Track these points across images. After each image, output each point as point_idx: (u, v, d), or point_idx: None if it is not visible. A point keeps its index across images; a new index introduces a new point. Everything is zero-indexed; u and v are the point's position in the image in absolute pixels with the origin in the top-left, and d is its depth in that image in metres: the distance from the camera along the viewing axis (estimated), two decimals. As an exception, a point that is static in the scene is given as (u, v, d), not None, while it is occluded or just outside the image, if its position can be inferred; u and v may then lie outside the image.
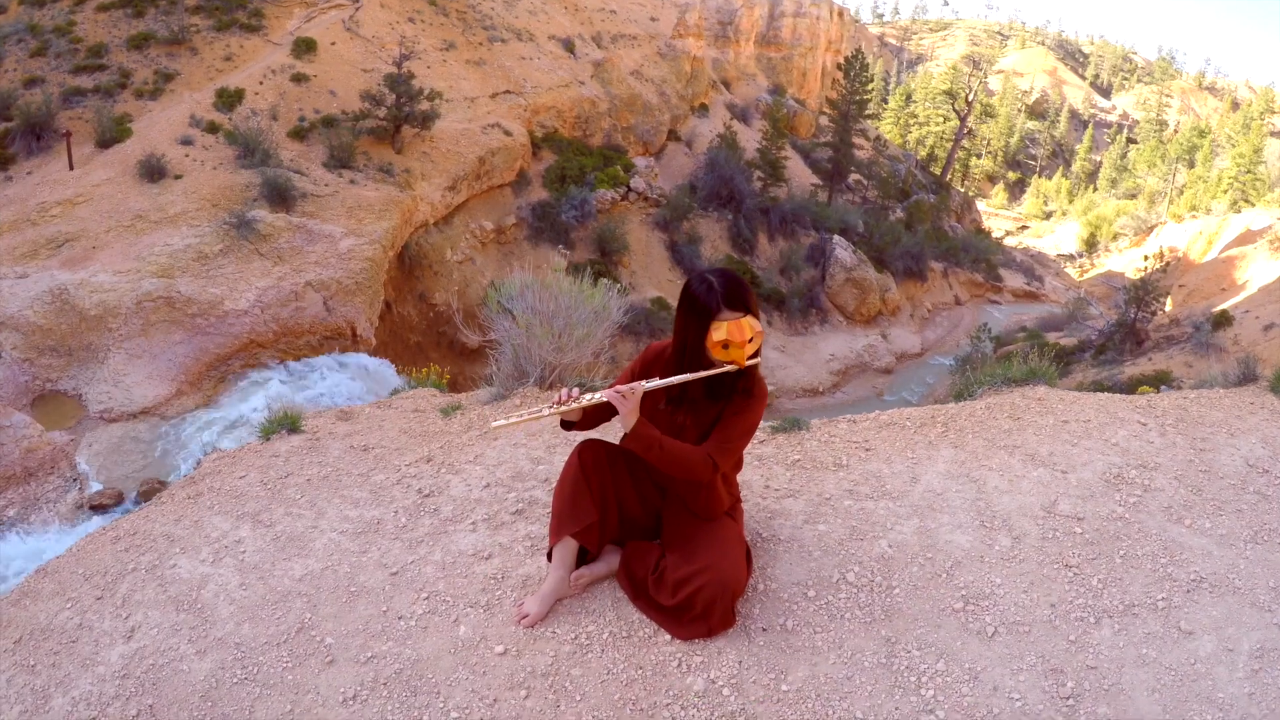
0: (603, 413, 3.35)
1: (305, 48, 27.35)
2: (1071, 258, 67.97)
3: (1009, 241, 67.46)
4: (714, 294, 3.10)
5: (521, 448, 4.96)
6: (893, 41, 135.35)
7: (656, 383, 3.21)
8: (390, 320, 21.95)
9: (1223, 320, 33.22)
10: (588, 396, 3.21)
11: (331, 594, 3.86)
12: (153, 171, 20.48)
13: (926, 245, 41.97)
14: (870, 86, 46.02)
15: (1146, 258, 38.58)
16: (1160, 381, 24.83)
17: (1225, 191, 60.75)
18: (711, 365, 3.17)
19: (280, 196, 20.46)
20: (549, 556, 3.61)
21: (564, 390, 3.22)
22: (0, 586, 11.83)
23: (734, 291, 3.12)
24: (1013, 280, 50.06)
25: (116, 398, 15.42)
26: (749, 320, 3.11)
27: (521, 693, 3.18)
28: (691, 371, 3.21)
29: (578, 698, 3.13)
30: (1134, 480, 4.21)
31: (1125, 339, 33.87)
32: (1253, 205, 56.61)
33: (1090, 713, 2.88)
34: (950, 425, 4.90)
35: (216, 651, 3.60)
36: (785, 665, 3.15)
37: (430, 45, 30.70)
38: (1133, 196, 78.76)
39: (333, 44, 28.36)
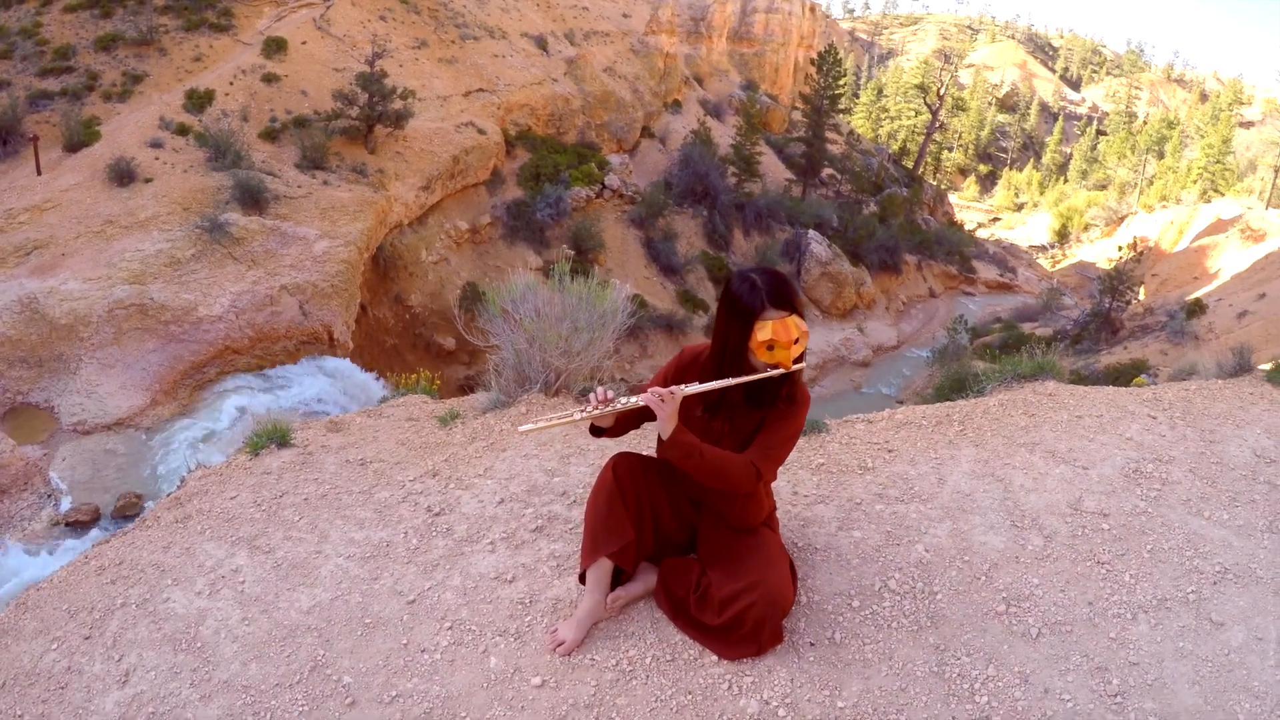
0: (635, 419, 3.21)
1: (276, 47, 27.09)
2: (1043, 249, 68.53)
3: (981, 234, 68.00)
4: (758, 293, 2.94)
5: (534, 459, 4.70)
6: (863, 36, 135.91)
7: (697, 387, 3.02)
8: (366, 323, 21.73)
9: (1196, 308, 33.57)
10: (624, 400, 3.04)
11: (344, 627, 3.61)
12: (122, 175, 20.15)
13: (900, 238, 42.13)
14: (843, 81, 46.07)
15: (1120, 248, 38.94)
16: (1137, 370, 25.04)
17: (1195, 182, 61.45)
18: (753, 369, 3.03)
19: (253, 199, 20.19)
20: (581, 578, 3.42)
21: (597, 391, 3.04)
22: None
23: (779, 289, 2.96)
24: (986, 272, 50.35)
25: (90, 409, 15.10)
26: (795, 320, 2.95)
27: None
28: (732, 375, 3.04)
29: None
30: (1152, 474, 4.26)
31: (1101, 328, 34.20)
32: (1222, 195, 57.31)
33: (1138, 709, 2.92)
34: (967, 424, 4.89)
35: (223, 696, 3.34)
36: (838, 680, 3.07)
37: (402, 43, 30.49)
38: (1103, 188, 79.44)
39: (304, 43, 28.10)
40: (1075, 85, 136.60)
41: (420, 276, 24.90)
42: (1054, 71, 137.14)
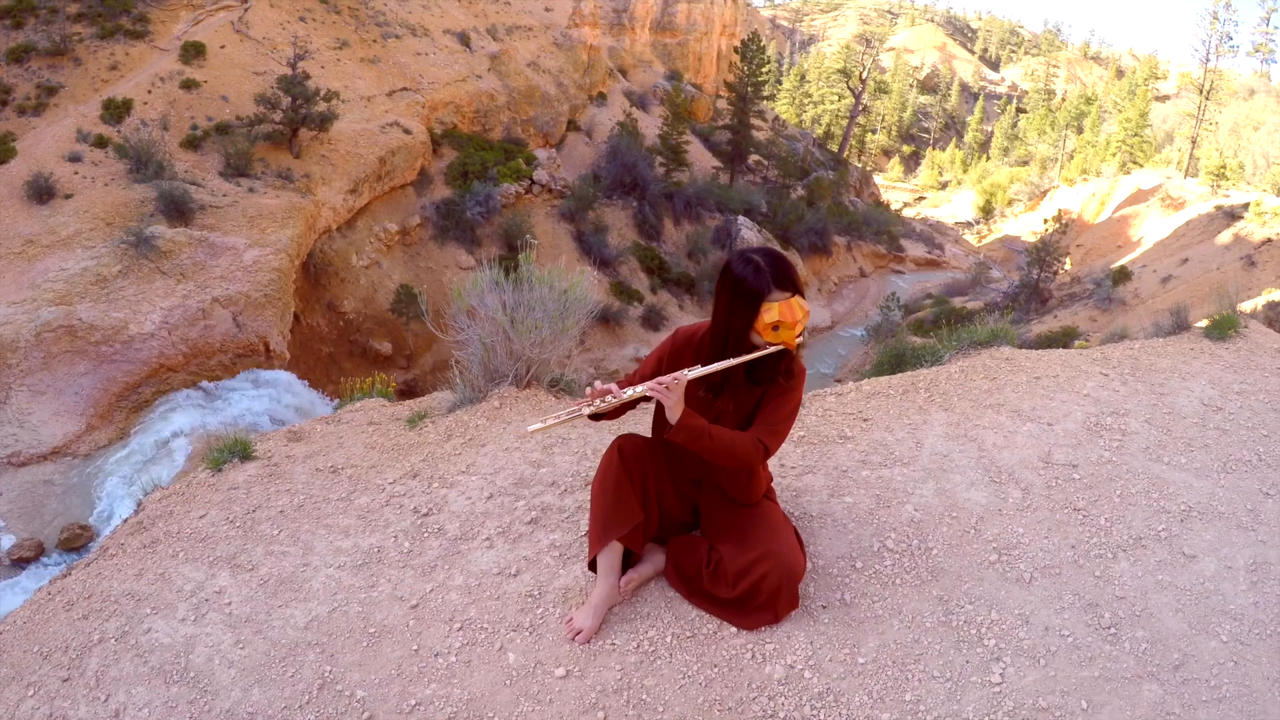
0: (634, 403, 3.17)
1: (194, 52, 26.62)
2: (969, 225, 69.79)
3: (908, 213, 69.16)
4: (763, 275, 2.97)
5: (516, 452, 4.62)
6: (784, 23, 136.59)
7: (700, 370, 3.07)
8: (300, 332, 21.50)
9: (1122, 275, 34.57)
10: (628, 391, 3.05)
11: (348, 639, 3.49)
12: (41, 192, 19.69)
13: (829, 221, 42.73)
14: (766, 69, 46.44)
15: (1046, 220, 39.84)
16: (1069, 337, 25.77)
17: (1114, 155, 62.97)
18: (754, 347, 3.07)
19: (178, 210, 19.83)
20: (590, 565, 3.44)
21: (594, 385, 3.08)
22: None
23: (782, 271, 3.00)
24: (914, 250, 51.28)
25: (23, 439, 14.70)
26: (798, 300, 3.00)
27: (599, 715, 3.01)
28: (733, 356, 3.08)
29: (660, 709, 2.99)
30: (1111, 426, 4.54)
31: (1030, 299, 35.06)
32: (1141, 166, 58.84)
33: (1131, 638, 3.17)
34: (934, 390, 5.05)
35: None
36: (855, 639, 3.19)
37: (323, 44, 30.14)
38: (1025, 163, 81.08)
39: (222, 47, 27.65)
40: (995, 65, 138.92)
41: (352, 282, 24.72)
42: (973, 53, 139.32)
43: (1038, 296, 35.60)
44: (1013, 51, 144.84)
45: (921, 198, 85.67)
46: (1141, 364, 5.37)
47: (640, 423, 4.65)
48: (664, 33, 56.75)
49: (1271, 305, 27.16)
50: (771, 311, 2.96)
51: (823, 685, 3.00)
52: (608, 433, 4.73)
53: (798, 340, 3.07)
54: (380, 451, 5.00)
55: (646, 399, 3.14)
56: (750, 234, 36.11)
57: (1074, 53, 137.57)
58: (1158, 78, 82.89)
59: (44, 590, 4.28)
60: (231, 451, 5.06)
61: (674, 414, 3.04)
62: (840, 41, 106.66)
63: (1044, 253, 36.61)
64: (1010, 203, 68.81)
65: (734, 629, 3.24)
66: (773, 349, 3.04)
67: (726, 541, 3.32)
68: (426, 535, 4.05)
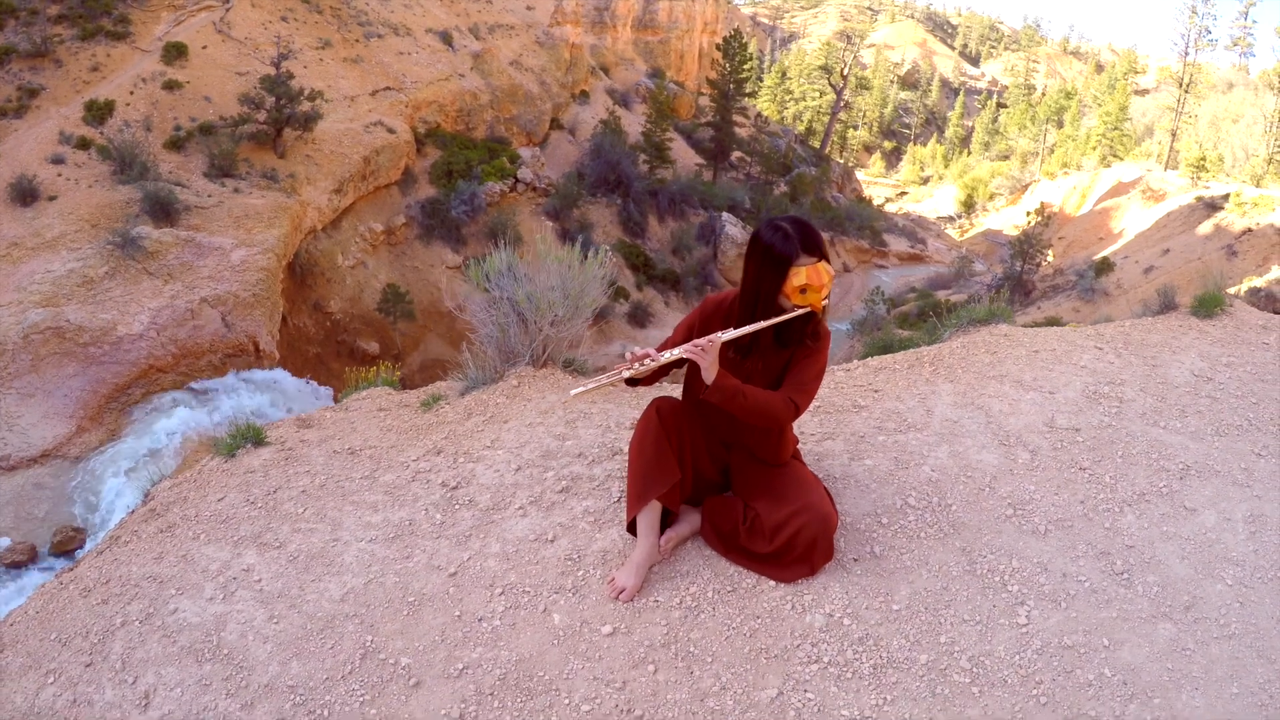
0: (668, 367, 3.31)
1: (176, 53, 26.48)
2: (951, 219, 70.05)
3: (890, 208, 69.37)
4: (791, 241, 3.12)
5: (539, 427, 4.67)
6: (765, 21, 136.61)
7: (733, 332, 3.21)
8: (287, 332, 21.41)
9: (1105, 267, 34.82)
10: (666, 355, 3.19)
11: (386, 609, 3.53)
12: (24, 194, 19.57)
13: (812, 216, 42.78)
14: (749, 66, 46.58)
15: (1029, 213, 40.10)
16: (1053, 326, 25.98)
17: (1094, 148, 63.33)
18: (782, 311, 3.21)
19: (163, 211, 19.75)
20: (629, 527, 3.54)
21: (632, 350, 3.20)
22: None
23: (810, 237, 3.15)
24: (897, 244, 51.47)
25: (12, 443, 14.60)
26: (824, 265, 3.15)
27: (650, 668, 3.10)
28: (762, 319, 3.22)
29: (708, 660, 3.11)
30: (1109, 394, 4.75)
31: (1014, 290, 35.26)
32: (1121, 160, 59.17)
33: (1143, 582, 3.41)
34: (938, 364, 5.21)
35: (268, 700, 3.21)
36: (888, 588, 3.35)
37: (305, 44, 30.05)
38: (1006, 158, 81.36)
39: (204, 48, 27.54)
40: (975, 61, 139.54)
41: (338, 282, 24.68)
42: (953, 49, 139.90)
43: (1021, 288, 35.81)
44: (993, 47, 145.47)
45: (903, 193, 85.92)
46: (1133, 339, 5.56)
47: (667, 391, 4.72)
48: (646, 31, 56.85)
49: (1254, 291, 27.51)
50: (799, 275, 3.11)
51: (862, 631, 3.16)
52: (629, 406, 4.84)
53: (823, 303, 3.21)
54: (398, 433, 5.01)
55: (682, 363, 3.27)
56: (734, 230, 36.22)
57: (1053, 48, 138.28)
58: (1137, 72, 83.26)
59: (54, 581, 4.24)
60: (244, 437, 5.03)
61: (709, 374, 3.16)
62: (821, 38, 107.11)
63: (1027, 245, 36.84)
64: (992, 197, 69.08)
65: (772, 582, 3.36)
66: (800, 312, 3.19)
67: (760, 499, 3.43)
68: (458, 507, 4.08)
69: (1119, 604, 3.31)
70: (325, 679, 3.25)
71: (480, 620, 3.39)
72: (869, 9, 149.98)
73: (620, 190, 35.69)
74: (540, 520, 3.89)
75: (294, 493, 4.42)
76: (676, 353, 3.17)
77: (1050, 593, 3.32)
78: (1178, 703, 2.91)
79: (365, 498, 4.30)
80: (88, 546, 12.89)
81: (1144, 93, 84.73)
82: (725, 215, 37.09)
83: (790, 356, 3.37)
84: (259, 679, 3.29)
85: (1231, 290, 21.95)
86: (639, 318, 29.99)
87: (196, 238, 19.15)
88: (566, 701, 3.02)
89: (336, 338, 23.68)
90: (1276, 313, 6.37)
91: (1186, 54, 57.82)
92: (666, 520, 3.55)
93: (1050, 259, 42.59)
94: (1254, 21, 63.35)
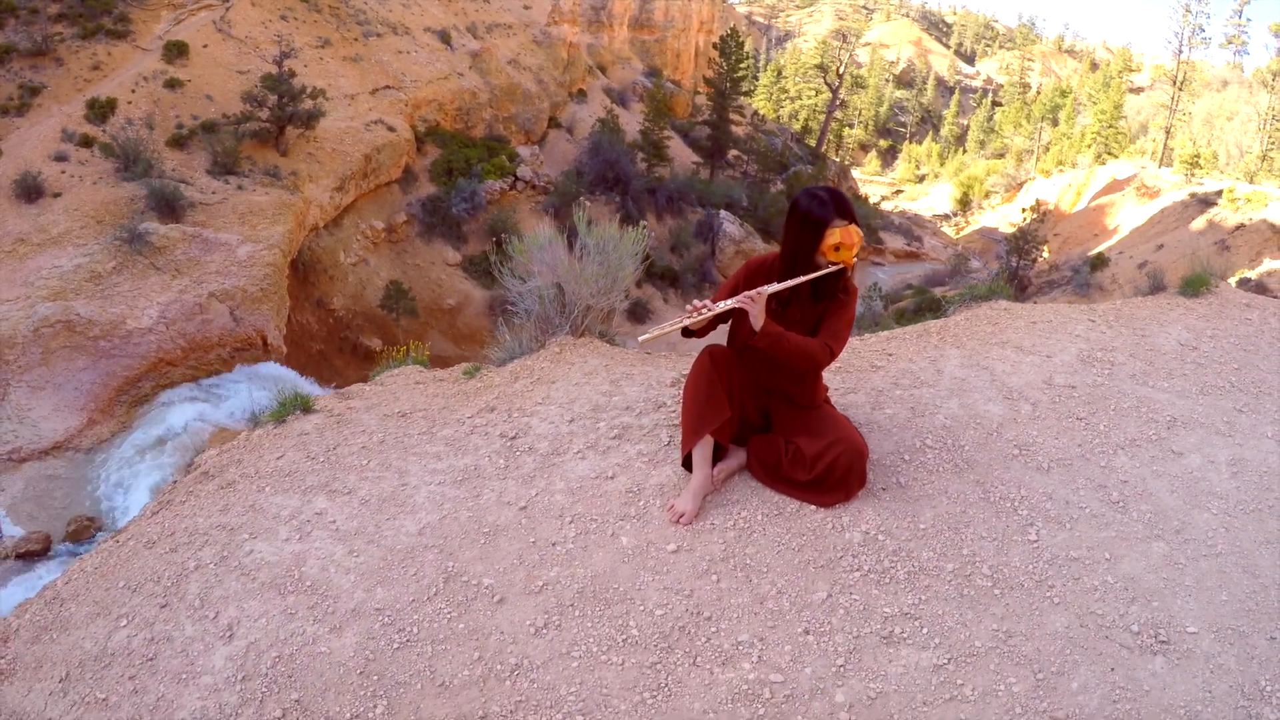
0: (715, 321, 3.78)
1: (177, 51, 26.56)
2: (946, 217, 70.26)
3: (886, 206, 69.42)
4: (827, 206, 3.62)
5: (586, 386, 5.08)
6: (760, 19, 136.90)
7: (778, 286, 3.70)
8: (290, 329, 21.45)
9: (1100, 262, 35.09)
10: (721, 305, 3.66)
11: (463, 539, 3.86)
12: (29, 191, 19.69)
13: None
14: (745, 64, 46.74)
15: (1024, 210, 40.33)
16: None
17: (1089, 146, 63.55)
18: (818, 268, 3.70)
19: (169, 207, 19.89)
20: (684, 461, 3.98)
21: (695, 303, 3.66)
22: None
23: (843, 203, 3.66)
24: (893, 242, 51.75)
25: (24, 435, 14.68)
26: (854, 227, 3.66)
27: (713, 578, 3.53)
28: (801, 275, 3.72)
29: (764, 570, 3.54)
30: (1101, 359, 5.23)
31: (1010, 286, 35.34)
32: (1116, 157, 59.38)
33: (1138, 510, 3.87)
34: (944, 334, 5.64)
35: (356, 623, 3.47)
36: (914, 511, 3.80)
37: (305, 43, 30.15)
38: (1001, 156, 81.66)
39: (205, 46, 27.64)
40: (970, 59, 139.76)
41: (340, 279, 24.85)
42: (948, 47, 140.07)
43: (1017, 284, 36.02)
44: (987, 46, 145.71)
45: (899, 191, 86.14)
46: (1124, 314, 6.00)
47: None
48: (642, 30, 57.03)
49: (1244, 281, 27.79)
50: (834, 235, 3.62)
51: (895, 545, 3.62)
52: (667, 368, 5.24)
53: (853, 261, 3.73)
54: (446, 398, 5.28)
55: (729, 315, 3.82)
56: (732, 228, 36.42)
57: (1048, 46, 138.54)
58: (1131, 70, 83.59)
59: (113, 538, 4.37)
60: (294, 405, 5.29)
61: (758, 322, 3.65)
62: (816, 37, 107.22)
63: (1023, 241, 37.08)
64: (987, 195, 69.34)
65: (813, 507, 3.83)
66: (835, 267, 3.70)
67: (800, 435, 3.92)
68: (519, 453, 4.44)
69: (1116, 526, 3.75)
70: (411, 601, 3.56)
71: (554, 545, 3.77)
72: (864, 7, 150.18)
73: (619, 188, 35.84)
74: (599, 461, 4.29)
75: (354, 449, 4.70)
76: (731, 303, 3.65)
77: (1055, 516, 3.78)
78: (1173, 605, 3.31)
79: (427, 449, 4.62)
80: (101, 535, 13.06)
81: (1138, 91, 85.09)
82: (723, 213, 37.27)
83: (823, 309, 3.87)
84: (345, 605, 3.57)
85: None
86: (638, 314, 30.14)
87: (203, 233, 19.30)
88: (641, 608, 3.42)
89: (339, 334, 23.84)
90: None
91: (1181, 52, 58.04)
92: (716, 456, 3.97)
93: (1046, 255, 42.83)
94: (1248, 19, 63.51)
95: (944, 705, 2.98)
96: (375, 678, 3.25)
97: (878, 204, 66.10)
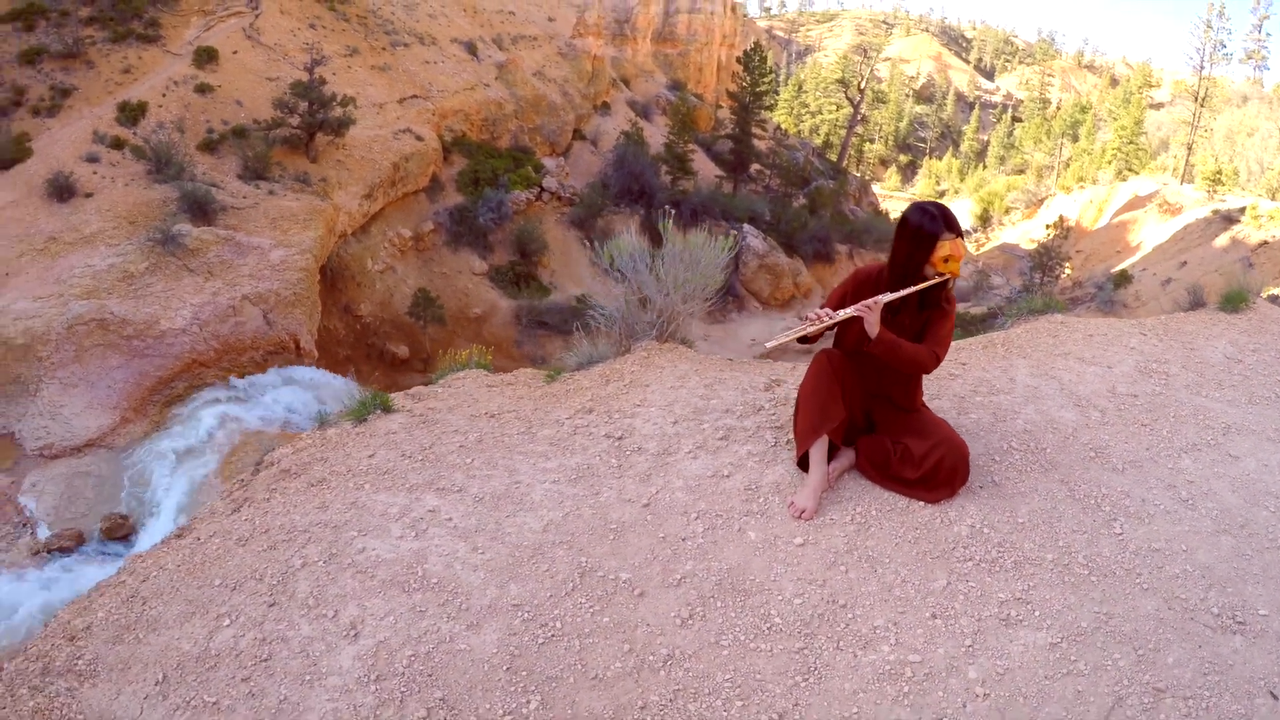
0: (833, 325, 4.02)
1: (207, 57, 26.60)
2: (967, 233, 69.79)
3: (906, 222, 69.02)
4: (937, 221, 3.89)
5: (681, 389, 5.26)
6: (781, 34, 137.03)
7: (892, 295, 3.94)
8: (318, 334, 21.49)
9: (1123, 279, 34.85)
10: (841, 313, 3.92)
11: (591, 536, 3.98)
12: (61, 190, 19.64)
13: (831, 229, 42.84)
14: (768, 79, 46.65)
15: (1048, 226, 40.13)
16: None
17: (1110, 162, 63.28)
18: (927, 279, 3.96)
19: (201, 210, 19.84)
20: (799, 461, 4.22)
21: (812, 312, 3.96)
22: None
23: (950, 218, 3.93)
24: (915, 259, 51.33)
25: (56, 432, 14.61)
26: (961, 240, 3.92)
27: (841, 568, 3.73)
28: (911, 286, 3.96)
29: (886, 560, 3.77)
30: (1156, 370, 5.54)
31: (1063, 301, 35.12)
32: (1137, 173, 59.11)
33: (1205, 507, 4.14)
34: (1009, 345, 5.92)
35: (494, 619, 3.53)
36: (1011, 507, 4.07)
37: (334, 51, 30.14)
38: (1021, 172, 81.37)
39: (234, 53, 27.68)
40: (989, 75, 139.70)
41: (368, 286, 24.79)
42: (968, 62, 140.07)
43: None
44: (1007, 61, 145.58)
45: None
46: (1171, 328, 6.32)
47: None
48: (665, 43, 57.11)
49: (1272, 299, 27.47)
50: (944, 248, 3.88)
51: (999, 537, 3.89)
52: (757, 374, 5.52)
53: (959, 271, 3.99)
54: (533, 400, 5.41)
55: (840, 323, 4.03)
56: (755, 241, 36.24)
57: (1068, 61, 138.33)
58: (1152, 85, 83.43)
59: (184, 538, 4.30)
60: (373, 405, 5.31)
61: (874, 329, 3.92)
62: (836, 51, 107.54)
63: (1046, 258, 36.84)
64: (1007, 211, 69.10)
65: (920, 504, 4.08)
66: (944, 278, 3.95)
67: (906, 436, 4.16)
68: (629, 453, 4.62)
69: (1188, 522, 4.04)
70: (550, 596, 3.65)
71: (684, 540, 3.93)
72: (884, 22, 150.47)
73: (643, 200, 35.71)
74: (710, 461, 4.48)
75: (451, 448, 4.79)
76: (849, 311, 3.91)
77: (1135, 512, 4.07)
78: (1245, 591, 3.62)
79: (531, 448, 4.74)
80: (138, 533, 13.10)
81: (1159, 106, 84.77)
82: (746, 227, 37.07)
83: (927, 317, 4.10)
84: (478, 601, 3.63)
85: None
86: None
87: (236, 236, 19.23)
88: (779, 597, 3.61)
89: (366, 340, 23.76)
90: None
91: (1201, 68, 57.95)
92: (834, 454, 4.25)
93: (1069, 272, 42.59)
94: (1268, 35, 63.59)
95: (1063, 679, 3.22)
96: (524, 673, 3.31)
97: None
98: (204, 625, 3.59)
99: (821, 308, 4.08)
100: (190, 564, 3.98)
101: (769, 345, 3.97)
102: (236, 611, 3.64)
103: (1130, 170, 60.56)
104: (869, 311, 3.87)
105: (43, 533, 12.87)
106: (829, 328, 4.00)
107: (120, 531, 12.99)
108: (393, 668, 3.32)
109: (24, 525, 12.95)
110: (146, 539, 12.66)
